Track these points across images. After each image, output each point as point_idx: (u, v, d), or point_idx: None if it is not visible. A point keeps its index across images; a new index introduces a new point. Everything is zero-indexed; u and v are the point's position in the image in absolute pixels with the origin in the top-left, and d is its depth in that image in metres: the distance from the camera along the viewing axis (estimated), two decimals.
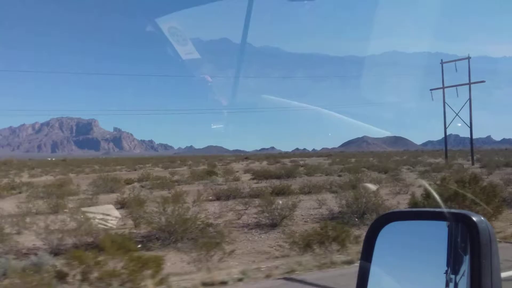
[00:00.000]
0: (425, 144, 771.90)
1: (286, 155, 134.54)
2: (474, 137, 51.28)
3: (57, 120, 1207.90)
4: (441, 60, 51.81)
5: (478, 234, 1.18)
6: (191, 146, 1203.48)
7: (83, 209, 12.39)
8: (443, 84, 50.49)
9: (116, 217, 12.03)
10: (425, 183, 20.84)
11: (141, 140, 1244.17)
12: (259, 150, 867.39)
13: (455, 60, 50.20)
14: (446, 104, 50.54)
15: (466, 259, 1.22)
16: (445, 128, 50.73)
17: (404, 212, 1.48)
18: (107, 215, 11.24)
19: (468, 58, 49.78)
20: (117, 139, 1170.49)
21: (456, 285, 1.23)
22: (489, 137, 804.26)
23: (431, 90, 50.00)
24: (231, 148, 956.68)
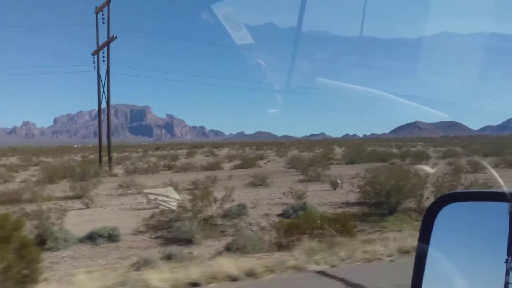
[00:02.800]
0: (483, 129, 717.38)
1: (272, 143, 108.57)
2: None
3: (113, 107, 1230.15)
4: (95, 7, 35.35)
5: None
6: (241, 132, 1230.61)
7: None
8: (97, 43, 35.14)
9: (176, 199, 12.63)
10: None
11: (192, 126, 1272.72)
12: (309, 136, 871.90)
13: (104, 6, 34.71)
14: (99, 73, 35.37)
15: None
16: (99, 105, 35.21)
17: (465, 193, 1.44)
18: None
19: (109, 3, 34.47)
20: (169, 125, 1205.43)
21: None
22: None
23: (92, 54, 35.64)
24: (279, 134, 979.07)
